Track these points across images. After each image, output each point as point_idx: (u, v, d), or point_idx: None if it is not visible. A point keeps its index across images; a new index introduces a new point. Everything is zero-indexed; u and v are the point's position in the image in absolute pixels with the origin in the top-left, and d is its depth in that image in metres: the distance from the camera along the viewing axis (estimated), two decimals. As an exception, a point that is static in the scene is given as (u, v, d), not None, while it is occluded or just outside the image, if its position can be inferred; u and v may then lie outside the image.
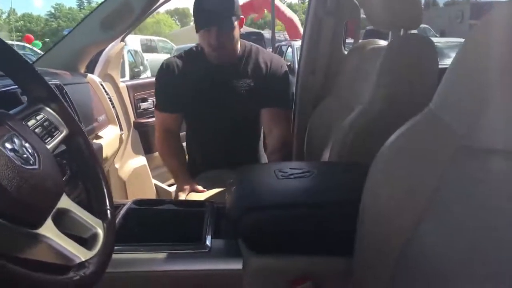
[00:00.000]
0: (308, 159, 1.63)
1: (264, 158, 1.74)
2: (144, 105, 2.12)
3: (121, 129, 1.73)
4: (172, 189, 2.19)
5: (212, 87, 1.54)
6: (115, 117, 1.69)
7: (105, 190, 0.66)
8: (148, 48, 11.55)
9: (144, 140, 2.11)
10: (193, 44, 1.68)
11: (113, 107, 1.70)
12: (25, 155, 0.51)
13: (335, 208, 0.93)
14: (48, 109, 0.65)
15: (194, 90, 1.54)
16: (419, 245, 0.69)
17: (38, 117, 0.63)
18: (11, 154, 0.49)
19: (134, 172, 1.99)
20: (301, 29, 11.25)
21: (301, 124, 1.70)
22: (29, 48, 11.77)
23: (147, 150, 2.13)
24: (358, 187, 0.84)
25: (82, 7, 44.78)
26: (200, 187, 1.48)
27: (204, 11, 1.44)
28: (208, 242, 0.93)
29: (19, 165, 0.49)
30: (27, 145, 0.53)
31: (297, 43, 7.83)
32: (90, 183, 0.66)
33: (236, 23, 1.48)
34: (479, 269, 0.56)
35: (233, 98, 1.54)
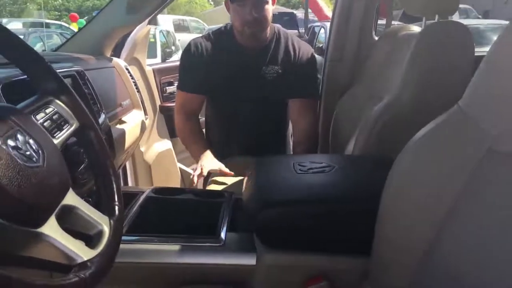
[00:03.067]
0: (333, 149, 1.58)
1: (290, 149, 1.70)
2: (170, 88, 2.11)
3: (145, 113, 1.74)
4: (198, 173, 2.19)
5: (239, 71, 1.49)
6: (140, 101, 1.69)
7: (114, 185, 0.66)
8: (180, 28, 11.57)
9: (170, 124, 2.11)
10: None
11: (138, 91, 1.71)
12: (28, 152, 0.51)
13: (353, 205, 0.90)
14: (58, 101, 0.65)
15: (220, 73, 1.49)
16: (443, 250, 0.65)
17: (48, 110, 0.62)
18: (13, 152, 0.49)
19: (159, 155, 2.00)
20: (325, 10, 10.91)
21: (327, 113, 1.65)
22: (66, 27, 12.03)
23: (173, 134, 2.13)
24: (379, 183, 0.80)
25: (117, -14, 45.04)
26: (227, 170, 1.41)
27: None
28: (223, 236, 0.92)
29: (21, 164, 0.48)
30: (31, 141, 0.52)
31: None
32: (100, 178, 0.66)
33: None
34: (506, 277, 0.53)
35: (260, 85, 1.49)
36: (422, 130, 0.74)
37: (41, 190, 0.50)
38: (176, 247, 0.88)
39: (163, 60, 6.52)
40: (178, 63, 2.30)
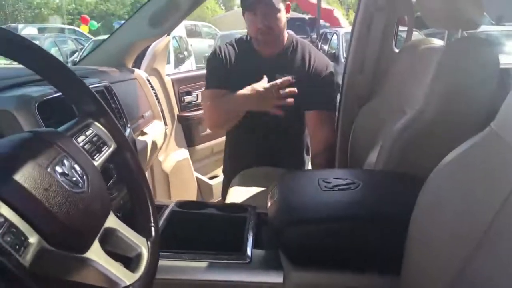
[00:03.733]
0: (352, 162, 1.58)
1: (308, 159, 1.70)
2: (188, 98, 2.13)
3: (165, 123, 1.75)
4: (213, 182, 2.21)
5: (255, 77, 1.50)
6: (160, 112, 1.71)
7: (150, 206, 0.67)
8: (193, 33, 11.63)
9: (187, 133, 2.13)
10: (238, 30, 1.65)
11: (159, 102, 1.72)
12: (74, 178, 0.52)
13: (380, 223, 0.89)
14: (97, 124, 0.66)
15: (239, 78, 1.50)
16: (475, 274, 0.65)
17: (88, 133, 0.64)
18: (61, 178, 0.50)
19: (177, 165, 2.02)
20: (339, 18, 10.88)
21: (346, 125, 1.65)
22: (80, 33, 12.18)
23: (190, 143, 2.15)
24: (406, 201, 0.80)
25: (131, -9, 45.52)
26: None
27: None
28: (249, 252, 0.92)
29: (68, 190, 0.50)
30: (76, 166, 0.54)
31: (342, 31, 7.63)
32: (135, 198, 0.67)
33: (282, 6, 1.44)
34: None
35: None
36: (454, 151, 0.74)
37: (87, 215, 0.51)
38: (203, 264, 0.89)
39: (176, 66, 6.56)
40: (195, 72, 2.33)
